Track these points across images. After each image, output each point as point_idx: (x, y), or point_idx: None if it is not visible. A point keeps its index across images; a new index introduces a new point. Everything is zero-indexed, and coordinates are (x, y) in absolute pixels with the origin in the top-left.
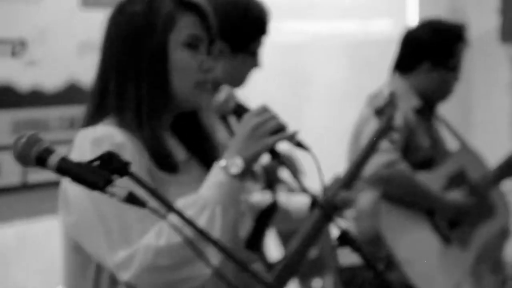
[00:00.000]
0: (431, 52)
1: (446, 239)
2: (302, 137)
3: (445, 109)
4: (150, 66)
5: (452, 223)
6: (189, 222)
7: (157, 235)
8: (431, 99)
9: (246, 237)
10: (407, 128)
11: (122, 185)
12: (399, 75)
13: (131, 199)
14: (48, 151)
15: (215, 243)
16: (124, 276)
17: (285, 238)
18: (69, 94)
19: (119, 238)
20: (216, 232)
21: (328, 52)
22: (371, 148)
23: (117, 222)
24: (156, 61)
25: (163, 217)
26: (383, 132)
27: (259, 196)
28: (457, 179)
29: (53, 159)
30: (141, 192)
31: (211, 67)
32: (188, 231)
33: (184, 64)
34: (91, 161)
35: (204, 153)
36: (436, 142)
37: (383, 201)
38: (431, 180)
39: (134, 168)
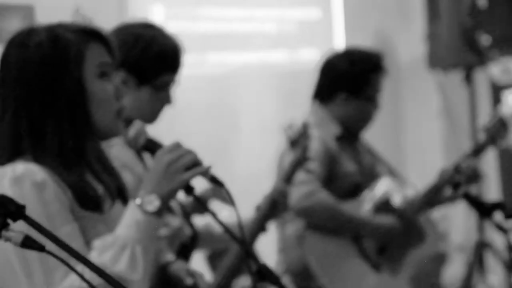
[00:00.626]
0: (346, 82)
1: (376, 266)
2: (227, 173)
3: (376, 135)
4: (69, 102)
5: (380, 250)
6: (102, 273)
7: (79, 277)
8: (352, 127)
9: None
10: (328, 156)
11: (19, 229)
12: (318, 104)
13: (28, 243)
14: None
15: None
16: None
17: (212, 260)
18: None
19: (41, 281)
20: (139, 271)
21: (256, 83)
22: (287, 180)
23: (39, 265)
24: (75, 96)
25: (63, 261)
26: (298, 163)
27: (226, 213)
28: (382, 206)
29: None
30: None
31: (122, 94)
32: (110, 273)
33: (103, 95)
34: None
35: (116, 186)
36: (363, 167)
37: (308, 231)
38: (357, 208)
39: (57, 206)
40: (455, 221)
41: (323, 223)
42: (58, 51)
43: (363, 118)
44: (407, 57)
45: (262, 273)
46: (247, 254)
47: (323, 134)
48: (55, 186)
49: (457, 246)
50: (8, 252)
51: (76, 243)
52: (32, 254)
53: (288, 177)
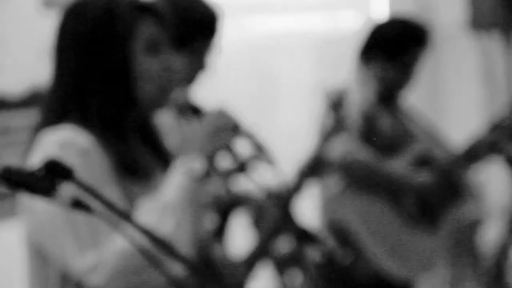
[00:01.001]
0: (384, 45)
1: (415, 222)
2: (267, 134)
3: (415, 98)
4: (112, 72)
5: (421, 207)
6: (146, 232)
7: (126, 238)
8: (390, 88)
9: (212, 233)
10: (365, 117)
11: (69, 191)
12: (360, 64)
13: (77, 204)
14: None
15: (175, 254)
16: (95, 279)
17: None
18: (32, 101)
19: (87, 240)
20: (183, 234)
21: (295, 48)
22: (327, 142)
23: (86, 224)
24: (118, 67)
25: (110, 221)
26: (338, 125)
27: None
28: (423, 162)
29: None
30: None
31: (174, 69)
32: (156, 234)
33: (148, 70)
34: (36, 170)
35: (160, 151)
36: (400, 127)
37: (347, 190)
38: (395, 165)
39: (102, 170)
40: (492, 186)
41: (362, 181)
42: (109, 24)
43: (396, 83)
44: (447, 19)
45: (302, 234)
46: (286, 216)
47: (362, 94)
48: (99, 152)
49: (494, 212)
50: (54, 214)
51: (121, 206)
52: (78, 215)
53: (328, 139)
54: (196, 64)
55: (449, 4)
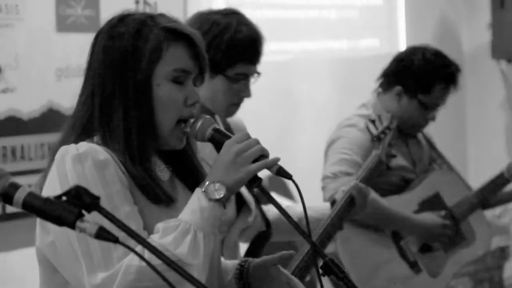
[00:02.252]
0: (405, 76)
1: (413, 265)
2: (288, 161)
3: (438, 126)
4: (135, 97)
5: (423, 248)
6: (162, 255)
7: (138, 256)
8: (402, 123)
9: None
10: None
11: (92, 219)
12: (377, 93)
13: (102, 234)
14: (14, 187)
15: (187, 275)
16: None
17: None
18: (47, 121)
19: (99, 260)
20: (199, 257)
21: (316, 70)
22: (369, 178)
23: (98, 244)
24: (141, 93)
25: (132, 250)
26: (381, 161)
27: (285, 205)
28: (431, 203)
29: (19, 196)
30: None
31: (196, 101)
32: (170, 255)
33: (168, 99)
34: (59, 196)
35: (186, 173)
36: (415, 162)
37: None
38: (402, 203)
39: (118, 186)
40: None
41: (363, 216)
42: (137, 45)
43: (411, 122)
44: (470, 47)
45: (329, 268)
46: (314, 249)
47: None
48: (116, 167)
49: None
50: (68, 233)
51: (136, 224)
52: None
53: (369, 176)
54: (234, 90)
55: (471, 31)
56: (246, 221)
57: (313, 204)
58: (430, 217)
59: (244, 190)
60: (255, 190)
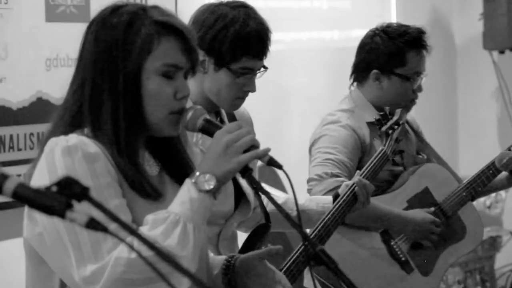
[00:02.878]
0: (377, 58)
1: (404, 265)
2: (278, 152)
3: (430, 115)
4: (124, 90)
5: (414, 246)
6: (152, 246)
7: (128, 248)
8: (392, 106)
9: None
10: (359, 145)
11: (82, 210)
12: (355, 86)
13: (92, 224)
14: (3, 177)
15: (178, 266)
16: None
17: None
18: (37, 110)
19: (89, 252)
20: (189, 248)
21: (307, 61)
22: (373, 174)
23: (88, 236)
24: (130, 86)
25: (123, 240)
26: (387, 157)
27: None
28: (420, 199)
29: (9, 186)
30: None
31: (186, 95)
32: (159, 246)
33: (157, 93)
34: (49, 187)
35: (175, 167)
36: (402, 156)
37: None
38: (391, 201)
39: (108, 179)
40: (508, 205)
41: (351, 217)
42: (128, 37)
43: (397, 100)
44: (462, 37)
45: (320, 258)
46: (305, 239)
47: (355, 121)
48: (106, 160)
49: (509, 231)
50: (57, 224)
51: (125, 217)
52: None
53: (374, 172)
54: (238, 85)
55: (463, 22)
56: (244, 214)
57: (314, 197)
58: (420, 214)
59: (243, 182)
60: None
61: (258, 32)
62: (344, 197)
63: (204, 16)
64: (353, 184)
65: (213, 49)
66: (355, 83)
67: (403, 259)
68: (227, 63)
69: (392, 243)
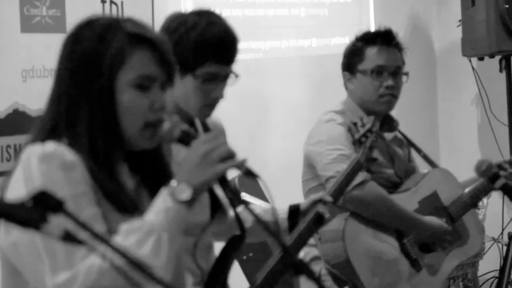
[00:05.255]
0: (344, 60)
1: (415, 264)
2: (259, 161)
3: (410, 122)
4: (99, 103)
5: (423, 246)
6: (124, 255)
7: (101, 256)
8: (367, 110)
9: (210, 268)
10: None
11: (57, 222)
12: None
13: (68, 237)
14: None
15: (151, 275)
16: None
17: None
18: (13, 122)
19: (63, 260)
20: (162, 258)
21: (285, 68)
22: (347, 182)
23: (62, 244)
24: (104, 99)
25: (96, 249)
26: (360, 164)
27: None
28: (430, 202)
29: None
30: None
31: (163, 106)
32: (133, 256)
33: (132, 106)
34: (24, 201)
35: (156, 181)
36: (392, 159)
37: (349, 223)
38: (404, 201)
39: (84, 188)
40: (489, 212)
41: (375, 213)
42: (100, 50)
43: (367, 97)
44: (441, 44)
45: (298, 268)
46: (283, 250)
47: (347, 120)
48: (83, 169)
49: (491, 238)
50: (32, 234)
51: (100, 226)
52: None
53: (347, 180)
54: (204, 91)
55: (442, 28)
56: (221, 224)
57: (269, 207)
58: (437, 222)
59: (219, 193)
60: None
61: (220, 36)
62: (309, 220)
63: (167, 23)
64: (317, 205)
65: (176, 55)
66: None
67: (414, 257)
68: (191, 68)
69: (405, 241)
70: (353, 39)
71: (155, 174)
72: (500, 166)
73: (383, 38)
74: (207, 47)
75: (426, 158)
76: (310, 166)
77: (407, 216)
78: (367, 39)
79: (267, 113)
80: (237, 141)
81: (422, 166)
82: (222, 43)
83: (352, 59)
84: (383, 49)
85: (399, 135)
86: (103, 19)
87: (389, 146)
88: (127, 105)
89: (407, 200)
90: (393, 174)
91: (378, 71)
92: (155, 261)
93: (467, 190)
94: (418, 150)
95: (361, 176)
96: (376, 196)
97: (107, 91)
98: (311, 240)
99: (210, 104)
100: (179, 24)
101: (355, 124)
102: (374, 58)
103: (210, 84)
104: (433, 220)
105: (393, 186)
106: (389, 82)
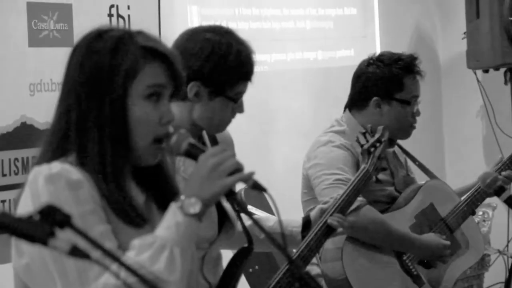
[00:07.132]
0: (376, 86)
1: (417, 279)
2: (264, 172)
3: (415, 134)
4: (111, 115)
5: (423, 264)
6: (136, 272)
7: (114, 275)
8: (393, 136)
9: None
10: (357, 161)
11: (66, 237)
12: (353, 112)
13: (75, 252)
14: None
15: None
16: None
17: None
18: (21, 136)
19: (75, 279)
20: (176, 273)
21: (291, 81)
22: (356, 193)
23: (74, 264)
24: (116, 111)
25: (107, 267)
26: (368, 176)
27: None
28: (427, 215)
29: None
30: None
31: (171, 119)
32: (145, 272)
33: (143, 118)
34: (31, 215)
35: (163, 196)
36: (392, 173)
37: (347, 243)
38: (399, 217)
39: (92, 206)
40: (495, 224)
41: (371, 237)
42: (114, 62)
43: (397, 125)
44: (446, 56)
45: (304, 281)
46: (289, 262)
47: (348, 140)
48: (90, 187)
49: (497, 250)
50: (43, 253)
51: (110, 243)
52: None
53: (357, 190)
54: (231, 109)
55: (447, 41)
56: (228, 237)
57: (286, 217)
58: (435, 240)
59: (227, 206)
60: (235, 205)
61: (250, 55)
62: (317, 230)
63: (192, 44)
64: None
65: (212, 80)
66: (347, 109)
67: (415, 273)
68: (224, 90)
69: (404, 258)
70: (378, 63)
71: (161, 189)
72: (508, 177)
73: (416, 67)
74: (241, 69)
75: (421, 167)
76: (309, 187)
77: (404, 237)
78: (403, 67)
79: (272, 124)
80: (242, 152)
81: (418, 176)
82: (251, 61)
83: (389, 87)
84: (417, 79)
85: (396, 147)
86: (115, 31)
87: (389, 161)
88: (139, 118)
89: (403, 217)
90: (393, 190)
91: (413, 101)
92: (170, 276)
93: (463, 198)
94: (414, 160)
95: (357, 201)
96: (371, 221)
97: (119, 103)
98: (313, 259)
99: (231, 120)
100: (212, 47)
101: (364, 133)
102: (412, 88)
103: (238, 101)
104: (431, 238)
105: (393, 201)
106: (418, 111)
